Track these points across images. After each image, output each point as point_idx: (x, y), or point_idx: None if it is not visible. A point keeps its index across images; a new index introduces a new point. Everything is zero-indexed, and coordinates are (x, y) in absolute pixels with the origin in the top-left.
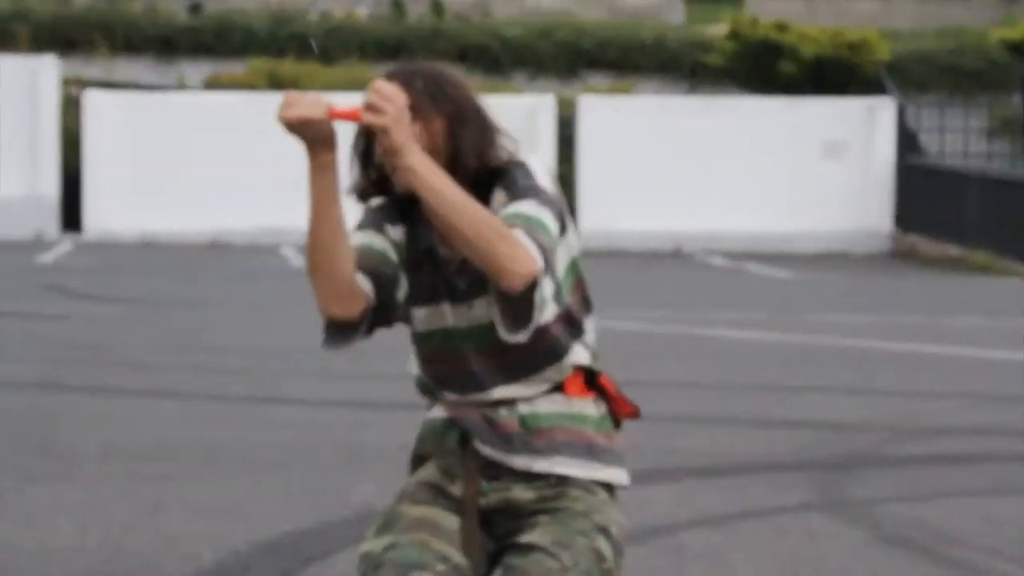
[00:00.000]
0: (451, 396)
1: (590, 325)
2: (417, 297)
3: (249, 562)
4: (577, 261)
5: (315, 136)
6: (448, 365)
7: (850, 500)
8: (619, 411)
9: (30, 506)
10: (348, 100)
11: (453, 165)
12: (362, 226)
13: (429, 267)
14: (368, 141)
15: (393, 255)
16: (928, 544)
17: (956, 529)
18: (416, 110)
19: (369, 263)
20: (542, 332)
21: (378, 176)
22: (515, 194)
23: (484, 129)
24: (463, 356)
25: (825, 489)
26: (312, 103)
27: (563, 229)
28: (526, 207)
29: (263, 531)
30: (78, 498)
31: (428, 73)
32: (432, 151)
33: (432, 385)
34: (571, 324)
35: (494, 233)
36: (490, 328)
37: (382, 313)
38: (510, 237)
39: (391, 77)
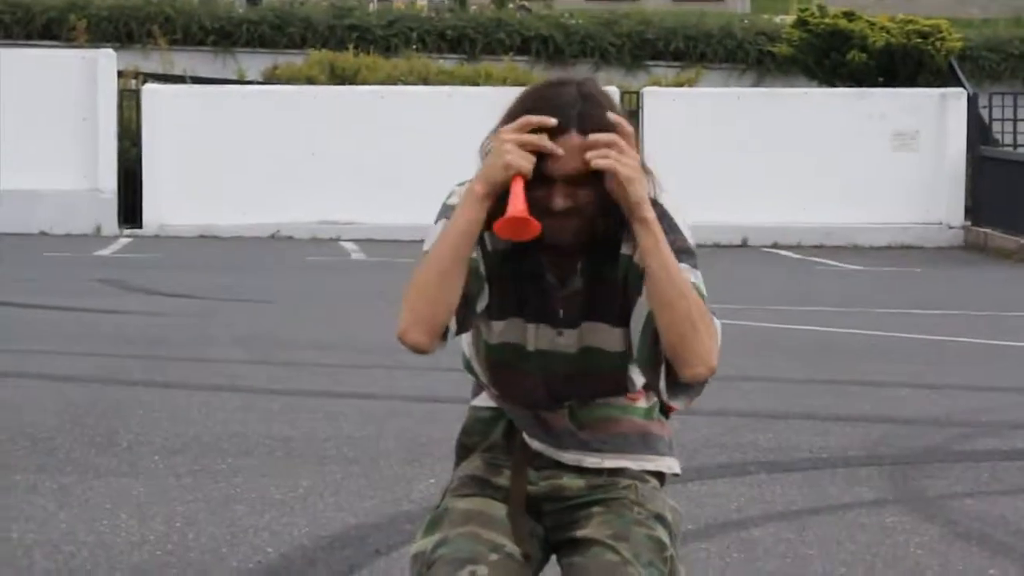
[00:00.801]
0: (508, 406)
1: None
2: (502, 311)
3: (314, 556)
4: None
5: (495, 176)
6: (511, 376)
7: (924, 495)
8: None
9: (93, 499)
10: (411, 91)
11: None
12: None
13: (531, 289)
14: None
15: (482, 267)
16: (1003, 540)
17: None
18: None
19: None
20: (621, 374)
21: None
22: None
23: (641, 167)
24: (528, 373)
25: (899, 484)
26: (523, 156)
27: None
28: (694, 277)
29: (328, 525)
30: (141, 491)
31: (612, 112)
32: (596, 202)
33: (490, 384)
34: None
35: (700, 318)
36: (569, 358)
37: (459, 325)
38: (711, 328)
39: (568, 104)
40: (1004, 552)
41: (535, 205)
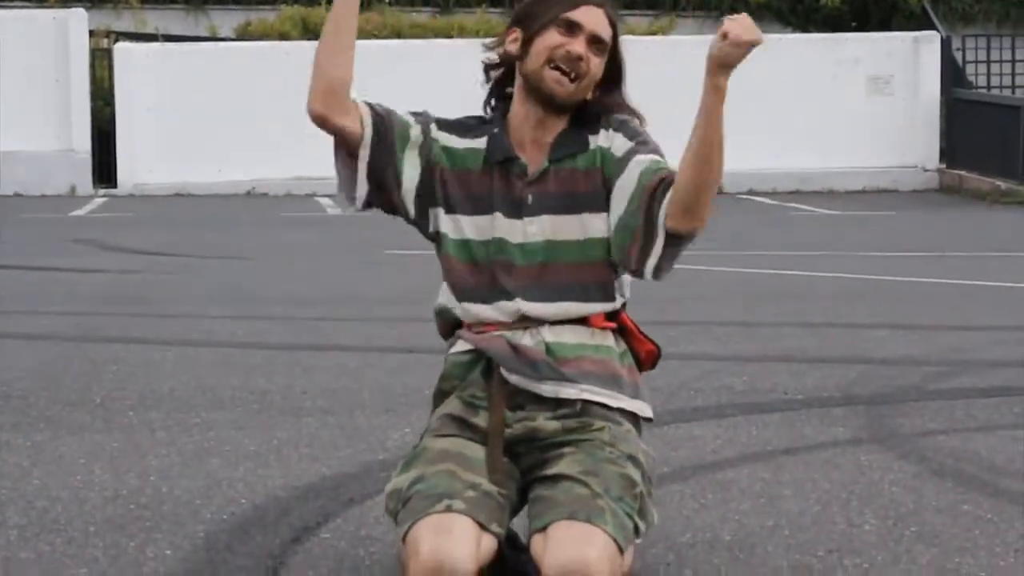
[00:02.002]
0: (475, 307)
1: (625, 277)
2: (467, 206)
3: (288, 506)
4: (660, 161)
5: None
6: (482, 275)
7: (899, 433)
8: (639, 348)
9: (68, 455)
10: (384, 45)
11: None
12: (409, 112)
13: (498, 177)
14: (538, 30)
15: (414, 134)
16: (977, 475)
17: (1008, 461)
18: (607, 49)
19: (383, 112)
20: (596, 267)
21: (510, 58)
22: (645, 143)
23: (624, 75)
24: (504, 267)
25: (874, 423)
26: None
27: None
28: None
29: (302, 476)
30: (116, 446)
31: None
32: (591, 79)
33: (461, 298)
34: (618, 280)
35: (719, 178)
36: (542, 248)
37: (380, 158)
38: (715, 191)
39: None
40: (978, 487)
41: (549, 49)
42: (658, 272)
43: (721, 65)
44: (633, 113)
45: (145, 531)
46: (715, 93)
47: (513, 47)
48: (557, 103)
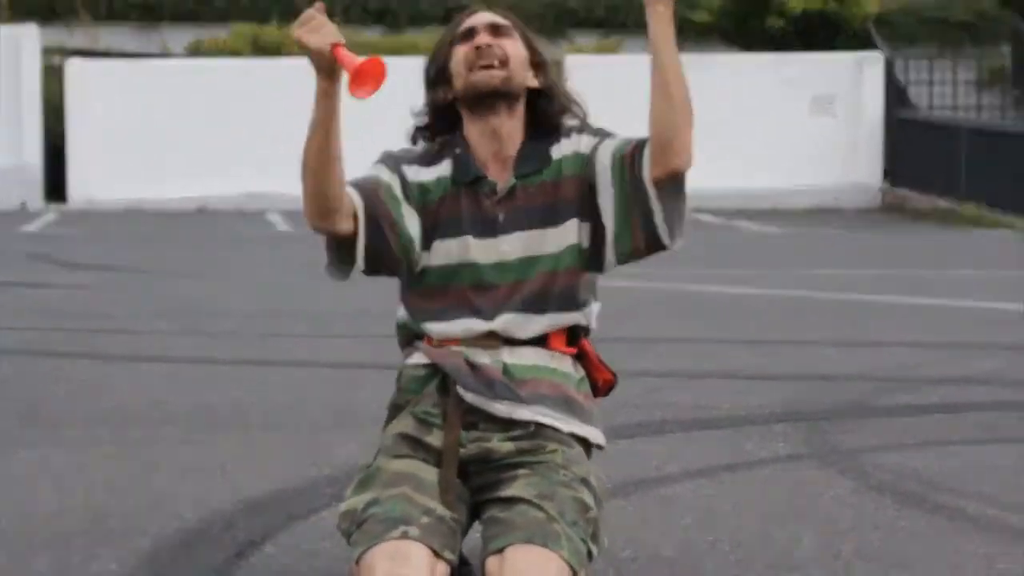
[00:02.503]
0: (439, 324)
1: (596, 306)
2: (440, 230)
3: (233, 520)
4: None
5: (318, 64)
6: (450, 298)
7: (839, 450)
8: (597, 376)
9: (14, 471)
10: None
11: (530, 113)
12: (379, 162)
13: (466, 198)
14: (445, 60)
15: (397, 189)
16: (917, 492)
17: (945, 477)
18: (518, 32)
19: (371, 192)
20: (565, 275)
21: (445, 103)
22: (610, 135)
23: (563, 92)
24: (476, 288)
25: (814, 440)
26: (321, 33)
27: None
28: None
29: (248, 490)
30: (63, 462)
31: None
32: (517, 60)
33: (423, 319)
34: (589, 287)
35: (688, 108)
36: (516, 265)
37: (377, 238)
38: (691, 122)
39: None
40: (915, 503)
41: (464, 60)
42: (672, 234)
43: None
44: (578, 109)
45: (90, 546)
46: (658, 20)
47: (442, 98)
48: (499, 92)
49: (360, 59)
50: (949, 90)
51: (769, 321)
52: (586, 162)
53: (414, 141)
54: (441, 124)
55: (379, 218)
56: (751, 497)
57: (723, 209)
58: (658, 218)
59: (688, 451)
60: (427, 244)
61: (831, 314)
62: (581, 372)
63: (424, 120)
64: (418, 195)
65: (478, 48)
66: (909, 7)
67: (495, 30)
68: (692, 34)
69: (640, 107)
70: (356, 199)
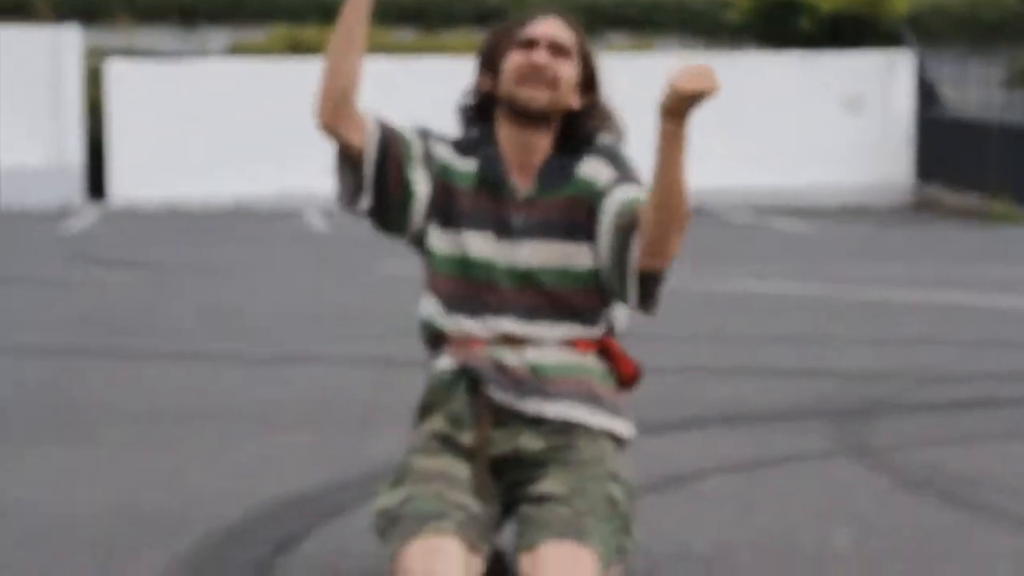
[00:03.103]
0: (461, 321)
1: (623, 310)
2: (459, 223)
3: (270, 518)
4: (637, 200)
5: None
6: (469, 290)
7: (871, 446)
8: (621, 370)
9: (52, 470)
10: (369, 63)
11: (564, 129)
12: (411, 128)
13: (488, 198)
14: (499, 54)
15: (417, 150)
16: (948, 488)
17: (976, 472)
18: (576, 51)
19: (389, 129)
20: (584, 293)
21: (486, 92)
22: (628, 175)
23: (608, 114)
24: (490, 286)
25: (847, 436)
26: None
27: None
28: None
29: (285, 488)
30: (100, 461)
31: (585, 35)
32: (565, 84)
33: (443, 309)
34: (605, 301)
35: (683, 221)
36: (526, 272)
37: (383, 166)
38: (683, 230)
39: (549, 14)
40: (947, 499)
41: (516, 69)
42: (645, 307)
43: (669, 113)
44: (614, 127)
45: (131, 545)
46: (670, 140)
47: (486, 86)
48: (540, 114)
49: None
50: (979, 89)
51: (801, 318)
52: (598, 195)
53: (460, 119)
54: (481, 111)
55: (388, 151)
56: (785, 493)
57: (755, 207)
58: (633, 294)
59: (721, 447)
60: (444, 224)
61: (862, 311)
62: (605, 365)
63: (469, 101)
64: (438, 170)
65: (533, 64)
66: (939, 7)
67: (556, 50)
68: (724, 34)
69: None
70: (371, 123)
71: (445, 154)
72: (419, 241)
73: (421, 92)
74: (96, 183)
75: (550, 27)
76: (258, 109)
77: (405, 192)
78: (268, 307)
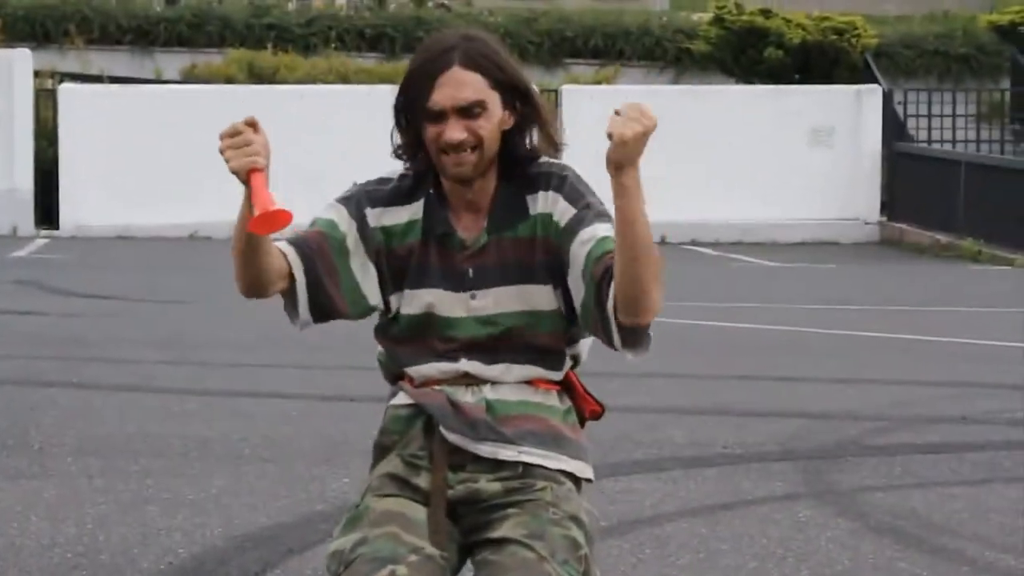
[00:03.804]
0: (418, 368)
1: (586, 341)
2: (410, 279)
3: (226, 556)
4: (607, 240)
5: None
6: (423, 344)
7: (837, 489)
8: (584, 408)
9: (3, 502)
10: (330, 90)
11: (503, 152)
12: (341, 201)
13: (437, 251)
14: (417, 131)
15: (351, 240)
16: (915, 533)
17: (944, 518)
18: (490, 85)
19: (313, 248)
20: (546, 337)
21: (417, 158)
22: (588, 210)
23: (545, 123)
24: (449, 334)
25: (812, 479)
26: (244, 153)
27: None
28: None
29: (241, 525)
30: (53, 494)
31: (496, 52)
32: (490, 140)
33: (400, 361)
34: (571, 340)
35: (657, 271)
36: (485, 320)
37: (318, 292)
38: (661, 280)
39: (449, 54)
40: (914, 544)
41: (434, 142)
42: (633, 350)
43: (620, 164)
44: (552, 137)
45: None
46: (626, 193)
47: (407, 137)
48: (471, 177)
49: (273, 205)
50: (948, 123)
51: (764, 357)
52: (562, 235)
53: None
54: (416, 151)
55: (320, 274)
56: (748, 536)
57: (719, 242)
58: (616, 339)
59: (684, 489)
60: (397, 288)
61: (827, 350)
62: (567, 403)
63: (399, 146)
64: (382, 239)
65: (447, 142)
66: (908, 40)
67: (466, 114)
68: (690, 64)
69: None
70: (293, 257)
71: (384, 216)
72: (387, 311)
73: (382, 118)
74: (47, 209)
75: (452, 87)
76: (213, 135)
77: (344, 295)
78: (225, 338)
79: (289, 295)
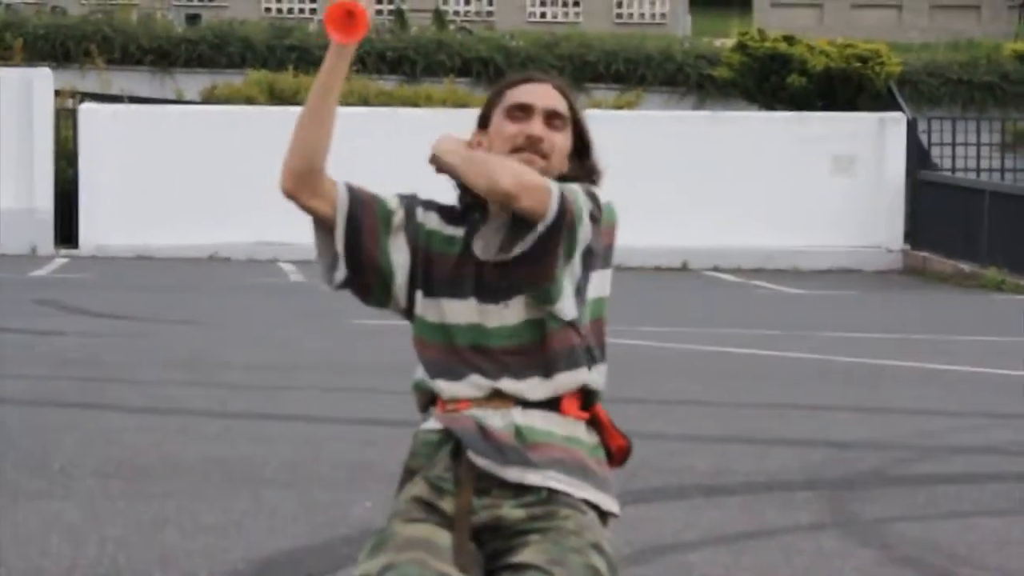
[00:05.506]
0: (450, 385)
1: (602, 367)
2: (444, 290)
3: None
4: (604, 302)
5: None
6: (457, 356)
7: (861, 519)
8: (611, 442)
9: (25, 524)
10: (351, 112)
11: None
12: (396, 193)
13: (475, 262)
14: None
15: (397, 219)
16: (939, 564)
17: (967, 549)
18: (570, 120)
19: (363, 197)
20: (562, 334)
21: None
22: (591, 204)
23: (590, 143)
24: (480, 349)
25: (836, 508)
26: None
27: (593, 219)
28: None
29: (262, 548)
30: (74, 515)
31: (578, 101)
32: (559, 155)
33: (432, 373)
34: (588, 350)
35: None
36: (519, 329)
37: (355, 236)
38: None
39: (544, 79)
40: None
41: (510, 140)
42: (499, 251)
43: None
44: (595, 176)
45: None
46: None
47: (479, 144)
48: None
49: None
50: (972, 152)
51: (787, 385)
52: (576, 259)
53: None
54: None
55: (361, 222)
56: (771, 567)
57: (741, 268)
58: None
59: (706, 517)
60: (428, 292)
61: (849, 378)
62: (595, 438)
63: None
64: (425, 238)
65: (528, 137)
66: (933, 68)
67: (551, 119)
68: (712, 91)
69: (657, 162)
70: (341, 192)
71: (432, 221)
72: (407, 311)
73: (402, 141)
74: (67, 229)
75: (543, 93)
76: (234, 155)
77: (382, 263)
78: (245, 359)
79: (325, 230)
